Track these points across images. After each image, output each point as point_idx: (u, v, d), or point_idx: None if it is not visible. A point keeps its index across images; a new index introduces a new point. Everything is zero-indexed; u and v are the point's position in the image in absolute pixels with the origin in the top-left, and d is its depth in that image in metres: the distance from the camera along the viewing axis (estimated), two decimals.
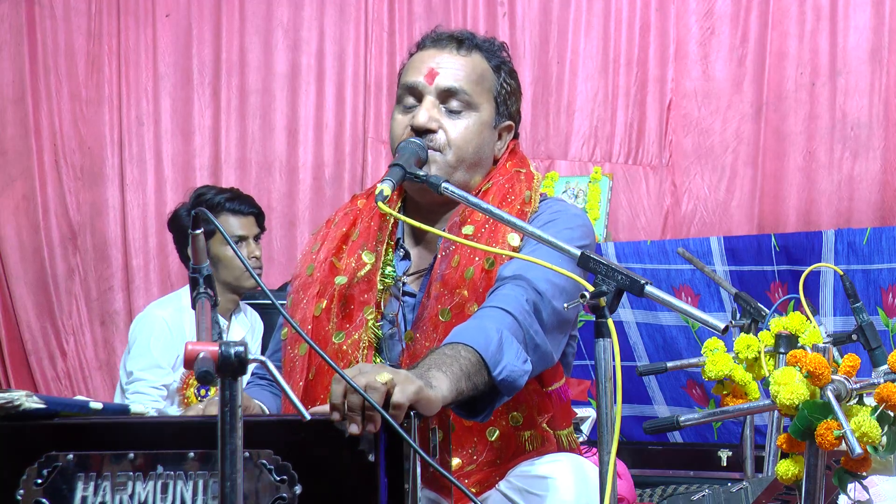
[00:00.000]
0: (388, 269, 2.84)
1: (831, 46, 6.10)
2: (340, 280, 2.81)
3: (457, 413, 2.44)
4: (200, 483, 2.02)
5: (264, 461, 1.98)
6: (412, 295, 2.82)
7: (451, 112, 2.82)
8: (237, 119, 6.95)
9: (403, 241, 2.89)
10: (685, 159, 6.36)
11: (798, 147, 6.15)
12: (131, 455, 2.04)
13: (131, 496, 2.03)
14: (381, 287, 2.81)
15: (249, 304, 5.23)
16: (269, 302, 5.17)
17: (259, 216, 5.06)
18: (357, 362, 2.72)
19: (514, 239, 2.74)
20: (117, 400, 4.98)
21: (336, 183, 6.80)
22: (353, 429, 1.99)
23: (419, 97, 2.84)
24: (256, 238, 5.03)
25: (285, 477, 1.99)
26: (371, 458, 1.98)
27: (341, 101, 6.87)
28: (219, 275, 4.85)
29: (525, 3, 6.60)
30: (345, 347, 2.75)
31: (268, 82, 6.94)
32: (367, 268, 2.81)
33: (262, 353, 4.06)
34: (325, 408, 2.09)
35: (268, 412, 2.74)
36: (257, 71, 6.95)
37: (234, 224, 4.96)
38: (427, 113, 2.80)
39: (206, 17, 6.99)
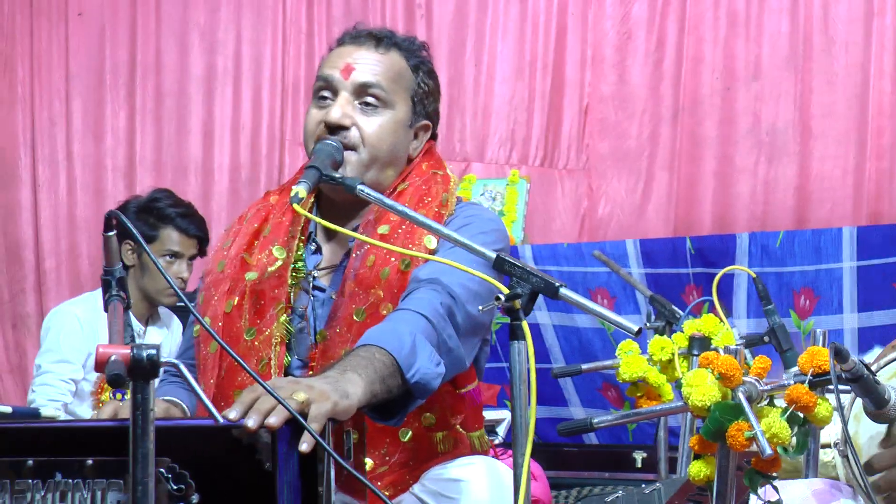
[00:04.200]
0: (300, 263, 2.83)
1: (746, 52, 6.17)
2: (251, 276, 2.80)
3: (370, 417, 2.44)
4: (99, 492, 1.98)
5: (162, 470, 1.94)
6: (322, 290, 2.81)
7: (365, 109, 2.81)
8: (152, 121, 6.89)
9: (315, 236, 2.88)
10: (602, 163, 6.39)
11: (713, 151, 6.21)
12: (30, 462, 2.00)
13: None
14: (292, 281, 2.80)
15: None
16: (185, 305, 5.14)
17: (203, 241, 5.01)
18: (269, 359, 2.71)
19: (430, 241, 2.74)
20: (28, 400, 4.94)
21: (252, 185, 6.77)
22: (250, 423, 1.94)
23: (335, 92, 2.83)
24: (191, 258, 4.97)
25: (183, 486, 1.95)
26: (268, 466, 1.95)
27: (258, 104, 6.84)
28: (141, 281, 4.84)
29: (442, 5, 6.61)
30: (256, 344, 2.75)
31: (184, 84, 6.89)
32: (279, 263, 2.80)
33: None
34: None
35: (189, 413, 2.72)
36: (173, 73, 6.90)
37: (173, 239, 4.90)
38: (341, 109, 2.79)
39: (120, 18, 6.93)
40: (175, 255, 4.90)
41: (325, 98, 2.84)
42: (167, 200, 4.96)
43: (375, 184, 2.76)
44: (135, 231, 2.26)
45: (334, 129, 2.78)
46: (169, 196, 5.02)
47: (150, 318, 5.01)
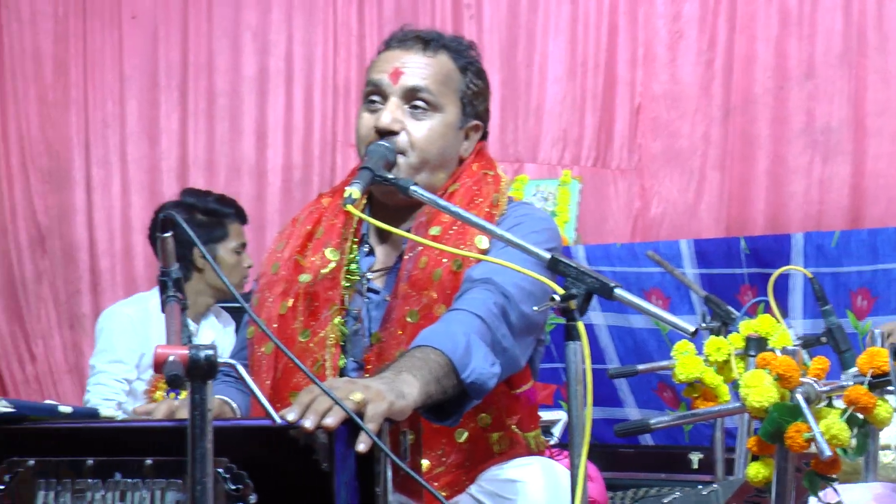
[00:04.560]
0: (353, 265, 2.83)
1: (799, 50, 6.13)
2: (305, 278, 2.81)
3: (426, 418, 2.44)
4: (158, 491, 2.00)
5: (220, 470, 1.95)
6: (376, 292, 2.81)
7: (415, 113, 2.81)
8: (205, 122, 6.93)
9: (368, 238, 2.89)
10: (654, 162, 6.37)
11: (766, 151, 6.17)
12: (90, 462, 2.02)
13: (91, 503, 2.02)
14: (346, 283, 2.80)
15: (224, 306, 5.23)
16: (240, 305, 5.20)
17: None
18: (324, 360, 2.72)
19: (482, 242, 2.73)
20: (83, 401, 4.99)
21: (305, 186, 6.80)
22: (308, 423, 1.96)
23: (384, 97, 2.83)
24: None
25: (241, 486, 1.96)
26: (325, 466, 1.96)
27: (310, 105, 6.87)
28: (216, 280, 4.90)
29: (492, 5, 6.61)
30: (311, 345, 2.75)
31: (236, 85, 6.93)
32: (332, 265, 2.80)
33: None
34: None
35: (239, 414, 2.73)
36: (225, 74, 6.94)
37: (238, 232, 5.03)
38: (391, 114, 2.79)
39: (172, 20, 6.97)
40: (244, 247, 5.02)
41: (374, 102, 2.84)
42: (212, 197, 5.07)
43: (427, 186, 2.74)
44: (189, 231, 2.26)
45: (384, 134, 2.79)
46: (207, 193, 5.15)
47: (203, 316, 5.06)
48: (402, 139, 2.79)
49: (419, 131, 2.80)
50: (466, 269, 2.69)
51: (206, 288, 4.92)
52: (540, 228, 2.78)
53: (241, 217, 5.05)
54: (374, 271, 2.85)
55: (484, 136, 2.98)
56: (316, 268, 2.81)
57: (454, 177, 2.88)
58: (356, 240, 2.87)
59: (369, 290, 2.82)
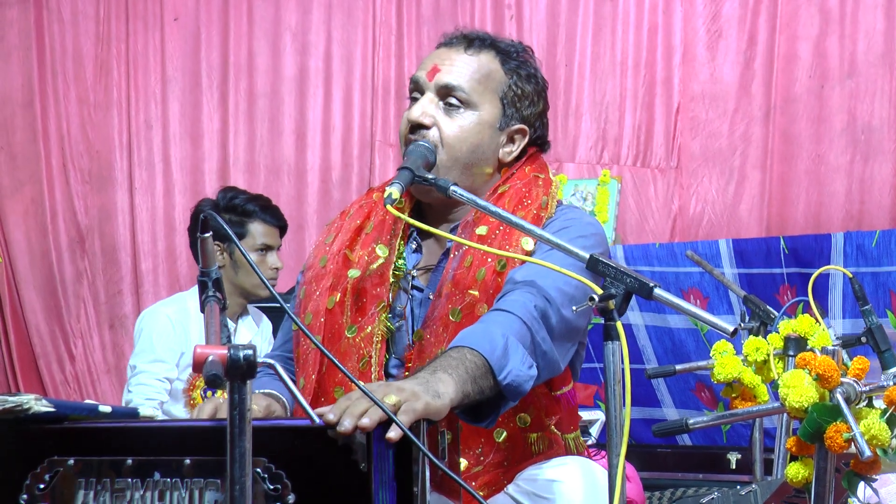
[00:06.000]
0: (400, 261, 2.84)
1: (841, 49, 6.10)
2: (353, 273, 2.80)
3: (462, 418, 2.44)
4: (196, 491, 2.01)
5: (258, 470, 1.97)
6: (420, 290, 2.82)
7: (448, 110, 2.80)
8: (245, 122, 6.95)
9: (416, 234, 2.89)
10: (693, 162, 6.35)
11: (806, 150, 6.14)
12: (129, 461, 2.04)
13: (130, 502, 2.03)
14: (392, 280, 2.81)
15: (260, 307, 5.24)
16: (279, 305, 5.20)
17: (283, 230, 5.08)
18: (370, 356, 2.72)
19: (527, 243, 2.72)
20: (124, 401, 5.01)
21: (344, 186, 6.81)
22: (346, 424, 1.97)
23: (421, 93, 2.84)
24: (277, 249, 5.05)
25: (279, 486, 1.97)
26: (363, 466, 1.96)
27: (349, 105, 6.88)
28: (236, 279, 4.91)
29: (532, 5, 6.60)
30: (358, 340, 2.75)
31: (276, 86, 6.95)
32: (380, 261, 2.80)
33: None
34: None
35: (288, 407, 2.73)
36: (265, 74, 6.96)
37: (262, 232, 4.97)
38: (421, 108, 2.80)
39: (214, 21, 7.00)
40: (267, 248, 4.97)
41: (415, 99, 2.85)
42: (243, 196, 5.03)
43: (466, 185, 2.74)
44: (228, 229, 2.28)
45: (415, 128, 2.79)
46: (243, 192, 5.11)
47: (240, 316, 5.07)
48: (432, 134, 2.79)
49: (450, 128, 2.80)
50: (510, 269, 2.69)
51: (231, 287, 4.89)
52: (588, 233, 2.77)
53: (270, 217, 4.99)
54: (419, 268, 2.85)
55: (539, 144, 2.95)
56: (364, 263, 2.81)
57: (504, 178, 2.87)
58: (404, 235, 2.87)
59: (413, 287, 2.83)
